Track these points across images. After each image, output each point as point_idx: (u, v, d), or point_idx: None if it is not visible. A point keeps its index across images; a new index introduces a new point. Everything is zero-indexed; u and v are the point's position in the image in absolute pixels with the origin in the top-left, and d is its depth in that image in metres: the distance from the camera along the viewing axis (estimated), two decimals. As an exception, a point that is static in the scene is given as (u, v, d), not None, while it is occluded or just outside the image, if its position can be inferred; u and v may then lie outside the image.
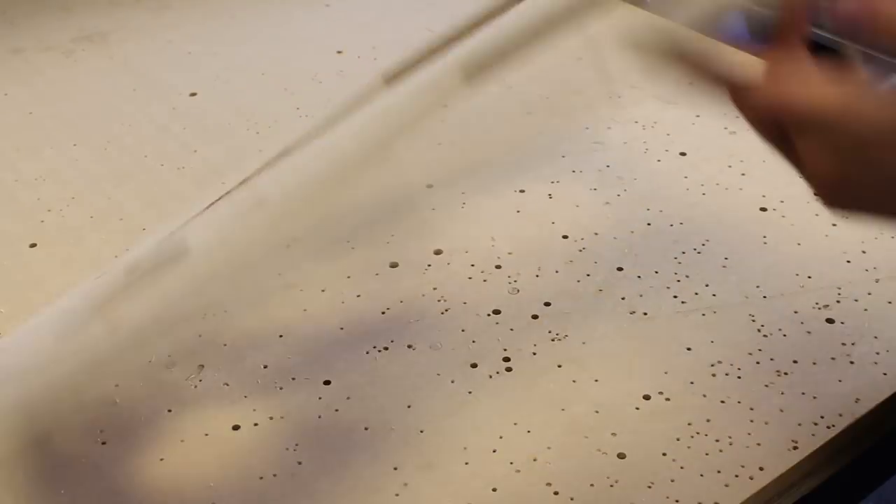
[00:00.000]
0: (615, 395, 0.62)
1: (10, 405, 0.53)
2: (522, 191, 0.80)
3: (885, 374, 0.62)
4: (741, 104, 0.46)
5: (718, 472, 0.56)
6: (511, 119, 0.88)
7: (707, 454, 0.58)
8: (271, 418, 0.61)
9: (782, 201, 0.78)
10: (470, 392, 0.62)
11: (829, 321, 0.67)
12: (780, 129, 0.44)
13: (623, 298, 0.69)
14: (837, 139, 0.42)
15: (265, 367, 0.65)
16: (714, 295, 0.69)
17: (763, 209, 0.77)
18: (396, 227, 0.76)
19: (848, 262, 0.72)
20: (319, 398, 0.62)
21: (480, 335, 0.67)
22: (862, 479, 0.65)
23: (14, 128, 0.91)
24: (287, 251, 0.74)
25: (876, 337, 0.65)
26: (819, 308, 0.68)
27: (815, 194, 0.46)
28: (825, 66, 0.45)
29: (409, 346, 0.66)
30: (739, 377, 0.63)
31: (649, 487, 0.56)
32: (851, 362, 0.63)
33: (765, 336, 0.66)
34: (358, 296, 0.70)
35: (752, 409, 0.60)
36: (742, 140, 0.85)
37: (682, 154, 0.84)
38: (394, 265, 0.73)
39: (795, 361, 0.64)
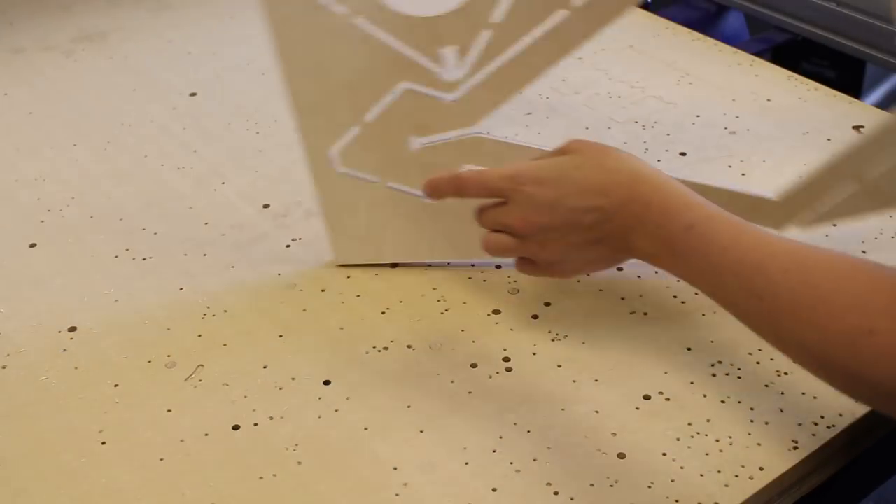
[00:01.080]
0: (615, 395, 0.62)
1: None
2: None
3: (885, 374, 0.62)
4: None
5: (718, 472, 0.56)
6: (511, 119, 0.88)
7: (707, 454, 0.58)
8: (271, 418, 0.61)
9: (782, 201, 0.78)
10: (470, 392, 0.62)
11: (829, 321, 0.66)
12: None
13: (623, 298, 0.69)
14: (526, 189, 0.57)
15: (265, 367, 0.65)
16: (714, 295, 0.69)
17: (763, 209, 0.77)
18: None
19: (848, 262, 0.71)
20: (319, 398, 0.62)
21: (480, 335, 0.67)
22: (862, 479, 0.65)
23: (14, 128, 0.91)
24: (287, 251, 0.75)
25: (876, 337, 0.65)
26: (819, 308, 0.67)
27: (525, 257, 0.60)
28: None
29: (409, 347, 0.66)
30: (739, 377, 0.63)
31: (649, 487, 0.56)
32: (851, 362, 0.63)
33: (765, 336, 0.66)
34: (358, 296, 0.70)
35: (752, 409, 0.60)
36: (742, 140, 0.85)
37: (682, 154, 0.84)
38: (393, 265, 0.73)
39: (795, 361, 0.64)
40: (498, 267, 0.72)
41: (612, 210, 0.56)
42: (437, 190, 0.62)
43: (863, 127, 0.86)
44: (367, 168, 0.68)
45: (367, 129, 0.66)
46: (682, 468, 0.57)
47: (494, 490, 0.56)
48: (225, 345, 0.66)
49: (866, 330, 0.45)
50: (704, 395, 0.61)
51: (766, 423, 0.59)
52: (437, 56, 0.64)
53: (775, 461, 0.57)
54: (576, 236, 0.57)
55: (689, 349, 0.65)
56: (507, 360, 0.65)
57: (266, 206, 0.79)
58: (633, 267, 0.71)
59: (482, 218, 0.61)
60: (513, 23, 0.63)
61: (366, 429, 0.60)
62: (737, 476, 0.56)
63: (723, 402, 0.61)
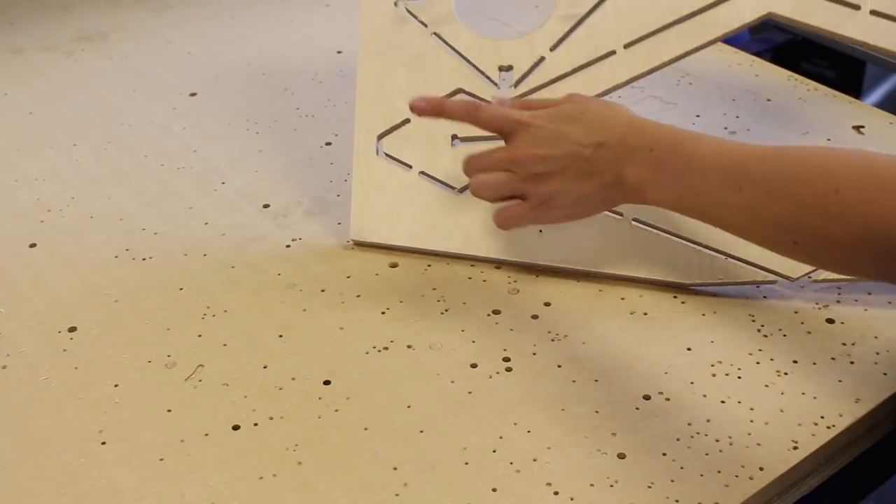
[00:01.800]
0: (615, 395, 0.62)
1: None
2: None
3: (885, 374, 0.62)
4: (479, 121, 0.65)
5: (718, 472, 0.56)
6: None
7: (707, 454, 0.58)
8: (271, 418, 0.61)
9: (782, 201, 0.78)
10: (470, 392, 0.62)
11: (829, 321, 0.67)
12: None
13: (623, 298, 0.69)
14: (537, 123, 0.62)
15: (265, 367, 0.65)
16: (714, 295, 0.69)
17: (763, 209, 0.77)
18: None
19: (848, 262, 0.71)
20: (319, 398, 0.62)
21: (480, 335, 0.67)
22: (862, 479, 0.65)
23: (14, 128, 0.91)
24: (287, 251, 0.75)
25: (876, 337, 0.65)
26: (819, 308, 0.68)
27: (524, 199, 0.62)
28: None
29: (409, 347, 0.66)
30: (739, 377, 0.63)
31: (649, 487, 0.56)
32: (851, 362, 0.63)
33: (765, 336, 0.66)
34: (358, 296, 0.70)
35: (752, 409, 0.60)
36: (742, 140, 0.85)
37: (682, 154, 0.84)
38: (394, 265, 0.73)
39: (795, 361, 0.64)
40: (498, 267, 0.72)
41: (611, 142, 0.60)
42: (448, 110, 0.65)
43: (863, 127, 0.86)
44: (405, 155, 0.74)
45: (416, 121, 0.73)
46: (682, 468, 0.57)
47: (494, 490, 0.56)
48: (225, 345, 0.66)
49: (833, 189, 0.51)
50: (704, 395, 0.61)
51: (766, 423, 0.59)
52: (496, 74, 0.73)
53: (775, 461, 0.57)
54: (573, 169, 0.61)
55: (689, 349, 0.65)
56: (507, 360, 0.65)
57: (266, 206, 0.80)
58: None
59: (481, 159, 0.63)
60: (565, 56, 0.72)
61: (366, 429, 0.60)
62: (737, 476, 0.56)
63: (723, 402, 0.61)
